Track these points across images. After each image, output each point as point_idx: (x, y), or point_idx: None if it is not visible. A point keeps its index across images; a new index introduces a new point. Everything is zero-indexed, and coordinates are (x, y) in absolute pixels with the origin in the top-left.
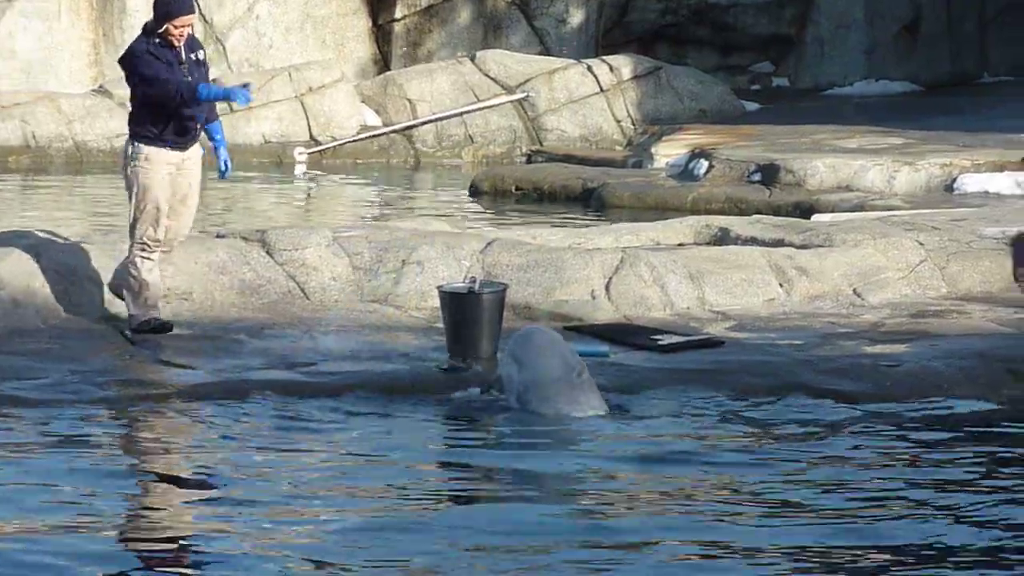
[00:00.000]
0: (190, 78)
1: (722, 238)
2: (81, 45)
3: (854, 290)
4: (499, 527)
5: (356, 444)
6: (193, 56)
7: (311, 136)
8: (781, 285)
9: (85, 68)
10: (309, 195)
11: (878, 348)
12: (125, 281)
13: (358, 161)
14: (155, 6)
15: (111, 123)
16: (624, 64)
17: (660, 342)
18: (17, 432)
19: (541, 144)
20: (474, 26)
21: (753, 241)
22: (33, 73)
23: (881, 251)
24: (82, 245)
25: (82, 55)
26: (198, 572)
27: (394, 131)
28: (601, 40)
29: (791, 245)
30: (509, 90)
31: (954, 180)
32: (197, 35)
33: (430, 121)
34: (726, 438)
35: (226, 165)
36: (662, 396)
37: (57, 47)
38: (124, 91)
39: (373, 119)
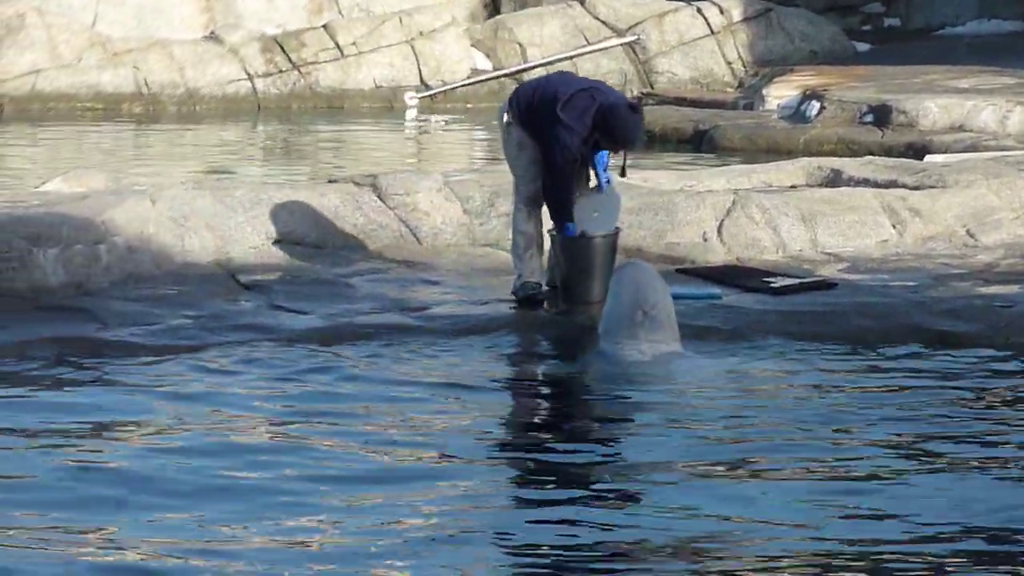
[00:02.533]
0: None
1: (834, 179)
2: None
3: (967, 231)
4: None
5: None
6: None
7: (422, 80)
8: (894, 226)
9: (196, 14)
10: (420, 134)
11: (992, 289)
12: (512, 244)
13: (468, 105)
14: (611, 125)
15: (223, 69)
16: (734, 6)
17: (772, 284)
18: (134, 378)
19: (652, 87)
20: None
21: (866, 182)
22: (144, 19)
23: (995, 191)
24: (196, 191)
25: (193, 1)
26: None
27: (505, 75)
28: None
29: (904, 186)
30: (619, 33)
31: None
32: None
33: (541, 65)
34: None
35: (608, 181)
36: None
37: None
38: (235, 37)
39: (483, 63)
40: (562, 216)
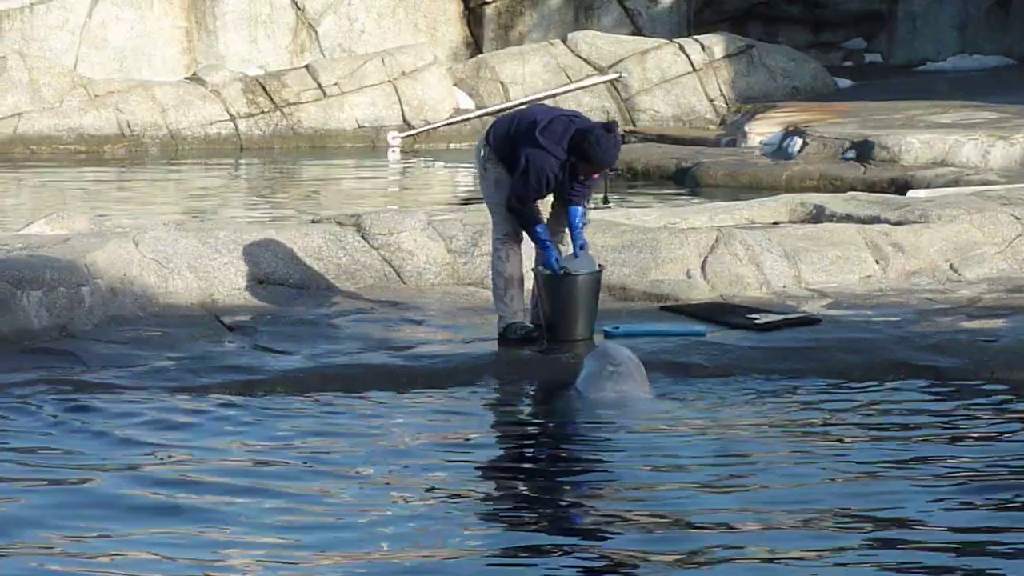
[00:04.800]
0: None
1: (817, 216)
2: (174, 33)
3: (950, 265)
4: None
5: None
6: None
7: (404, 120)
8: (877, 262)
9: (178, 56)
10: (403, 174)
11: (975, 324)
12: (493, 286)
13: (451, 144)
14: (586, 145)
15: (204, 111)
16: (716, 43)
17: (756, 321)
18: (116, 420)
19: (634, 124)
20: (565, 7)
21: (848, 218)
22: (126, 62)
23: (977, 226)
24: (179, 233)
25: (175, 43)
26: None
27: (487, 114)
28: (693, 19)
29: (887, 222)
30: (601, 71)
31: None
32: (289, 22)
33: (523, 103)
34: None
35: (583, 247)
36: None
37: (150, 35)
38: (217, 78)
39: (466, 102)
40: (533, 224)
